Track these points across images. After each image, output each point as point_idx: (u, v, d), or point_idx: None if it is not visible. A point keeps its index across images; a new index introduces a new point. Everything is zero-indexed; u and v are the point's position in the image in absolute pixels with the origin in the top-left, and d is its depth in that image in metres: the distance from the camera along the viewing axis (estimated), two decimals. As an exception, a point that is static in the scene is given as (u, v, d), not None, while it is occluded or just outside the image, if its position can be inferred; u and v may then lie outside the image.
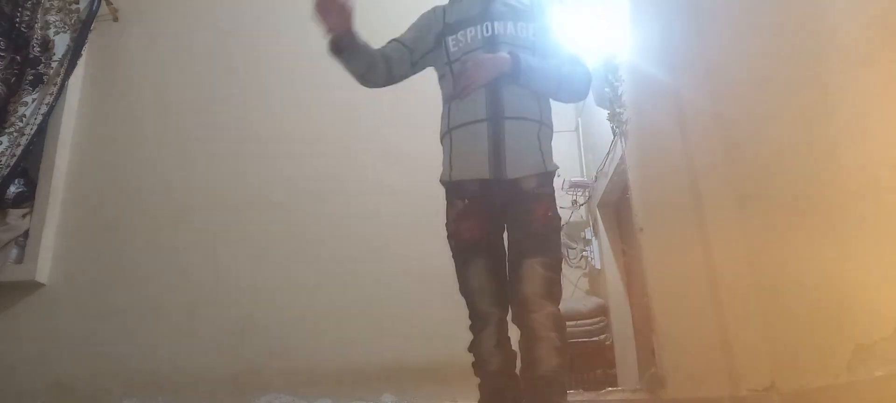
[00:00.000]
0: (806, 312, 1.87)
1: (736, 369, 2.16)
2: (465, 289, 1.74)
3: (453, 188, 1.78)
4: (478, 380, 1.74)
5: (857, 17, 1.54)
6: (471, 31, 1.82)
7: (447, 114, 1.81)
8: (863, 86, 1.53)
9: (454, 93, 1.77)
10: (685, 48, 2.50)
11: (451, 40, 1.84)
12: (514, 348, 1.74)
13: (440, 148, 1.87)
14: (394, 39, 1.92)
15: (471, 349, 1.73)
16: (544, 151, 1.77)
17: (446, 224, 1.79)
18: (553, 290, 1.64)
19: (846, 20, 1.58)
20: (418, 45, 1.90)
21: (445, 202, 1.80)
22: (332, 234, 2.78)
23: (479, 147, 1.71)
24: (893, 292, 1.45)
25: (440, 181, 1.82)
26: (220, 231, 2.80)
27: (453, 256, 1.77)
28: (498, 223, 1.77)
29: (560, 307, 1.67)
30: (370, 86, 1.94)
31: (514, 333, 1.73)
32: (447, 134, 1.80)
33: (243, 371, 2.56)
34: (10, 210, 2.76)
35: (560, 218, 1.78)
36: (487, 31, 1.80)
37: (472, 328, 1.73)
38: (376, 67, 1.88)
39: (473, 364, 1.73)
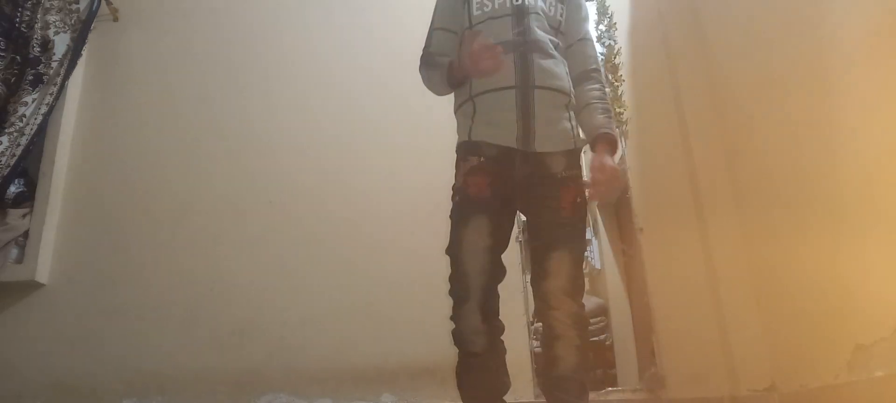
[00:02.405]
0: (806, 312, 1.87)
1: (736, 369, 2.16)
2: (454, 248, 1.60)
3: (471, 147, 1.65)
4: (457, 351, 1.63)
5: (857, 17, 1.54)
6: None
7: (469, 81, 1.69)
8: (863, 86, 1.53)
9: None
10: (685, 48, 2.51)
11: (474, 3, 1.75)
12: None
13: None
14: (437, 29, 1.80)
15: (452, 318, 1.61)
16: (574, 125, 1.69)
17: (454, 184, 1.67)
18: (577, 285, 1.58)
19: (846, 20, 1.58)
20: (458, 22, 1.78)
21: (456, 159, 1.69)
22: (333, 234, 2.77)
23: (507, 114, 1.62)
24: (893, 292, 1.45)
25: (458, 144, 1.71)
26: (221, 231, 2.79)
27: (451, 213, 1.64)
28: (511, 196, 1.65)
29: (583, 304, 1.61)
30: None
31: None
32: (469, 100, 1.69)
33: (243, 371, 2.56)
34: (10, 210, 2.76)
35: (586, 203, 1.69)
36: (516, 0, 1.71)
37: (451, 293, 1.60)
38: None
39: (453, 333, 1.62)
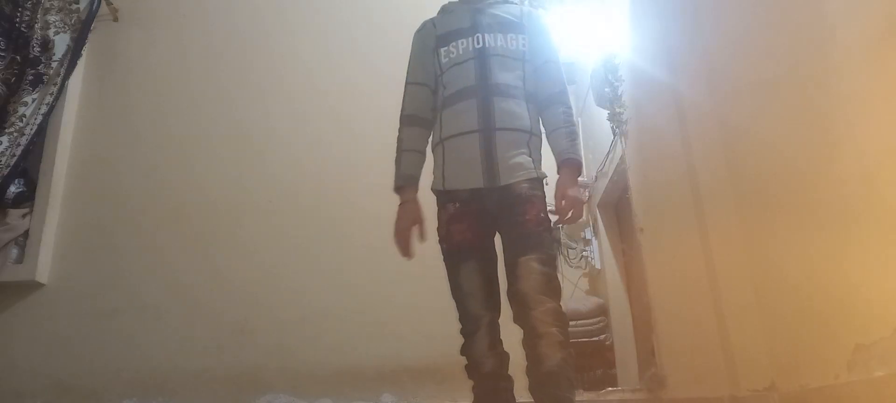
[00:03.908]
0: (806, 312, 1.87)
1: (736, 369, 2.16)
2: (456, 292, 1.76)
3: (445, 195, 1.81)
4: (471, 383, 1.75)
5: (857, 16, 1.54)
6: (462, 43, 1.86)
7: (439, 125, 1.85)
8: (863, 85, 1.53)
9: (557, 221, 1.84)
10: (685, 48, 2.50)
11: (442, 52, 1.89)
12: (506, 349, 1.75)
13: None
14: (410, 84, 1.94)
15: (463, 352, 1.74)
16: (534, 158, 1.81)
17: (437, 228, 1.82)
18: (552, 286, 1.66)
19: (846, 20, 1.58)
20: (429, 73, 1.92)
21: (437, 207, 1.83)
22: (332, 234, 2.78)
23: (472, 157, 1.76)
24: (893, 292, 1.45)
25: (432, 189, 1.85)
26: (221, 231, 2.79)
27: (444, 259, 1.80)
28: (489, 226, 1.80)
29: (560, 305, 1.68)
30: None
31: (508, 334, 1.74)
32: (439, 143, 1.84)
33: (243, 371, 2.56)
34: (10, 210, 2.76)
35: (550, 221, 1.81)
36: (478, 43, 1.85)
37: (463, 331, 1.74)
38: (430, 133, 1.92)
39: (466, 368, 1.75)
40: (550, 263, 1.70)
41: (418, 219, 1.81)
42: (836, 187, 1.66)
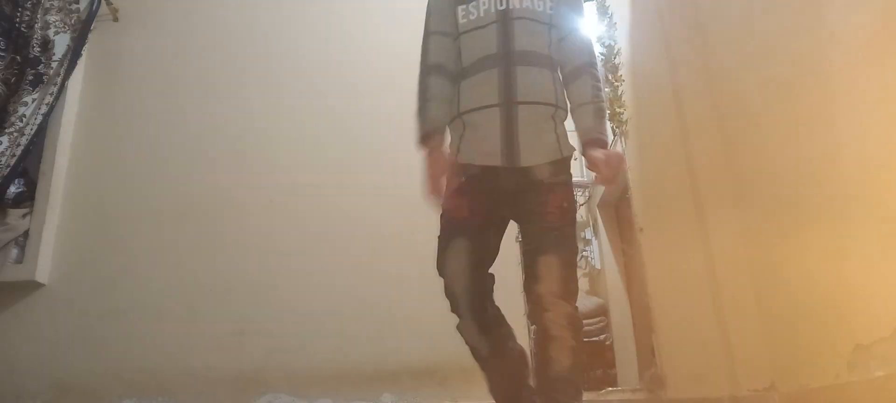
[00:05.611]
0: (806, 312, 1.87)
1: (736, 369, 2.17)
2: (440, 269, 1.65)
3: (457, 168, 1.68)
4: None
5: (857, 17, 1.54)
6: (483, 3, 1.71)
7: (458, 98, 1.71)
8: (863, 86, 1.53)
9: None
10: (685, 48, 2.51)
11: (460, 11, 1.74)
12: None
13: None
14: (433, 34, 1.77)
15: (458, 330, 1.67)
16: (559, 135, 1.67)
17: (443, 201, 1.69)
18: (569, 288, 1.58)
19: (846, 20, 1.58)
20: (450, 23, 1.76)
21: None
22: (333, 234, 2.77)
23: (491, 133, 1.63)
24: (893, 292, 1.45)
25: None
26: (221, 231, 2.79)
27: (440, 231, 1.68)
28: (498, 212, 1.69)
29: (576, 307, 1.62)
30: None
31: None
32: (458, 118, 1.70)
33: (243, 371, 2.56)
34: (10, 210, 2.76)
35: (576, 209, 1.70)
36: (501, 4, 1.69)
37: (452, 310, 1.65)
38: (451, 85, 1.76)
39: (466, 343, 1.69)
40: (571, 263, 1.61)
41: (448, 169, 1.64)
42: (835, 187, 1.66)
